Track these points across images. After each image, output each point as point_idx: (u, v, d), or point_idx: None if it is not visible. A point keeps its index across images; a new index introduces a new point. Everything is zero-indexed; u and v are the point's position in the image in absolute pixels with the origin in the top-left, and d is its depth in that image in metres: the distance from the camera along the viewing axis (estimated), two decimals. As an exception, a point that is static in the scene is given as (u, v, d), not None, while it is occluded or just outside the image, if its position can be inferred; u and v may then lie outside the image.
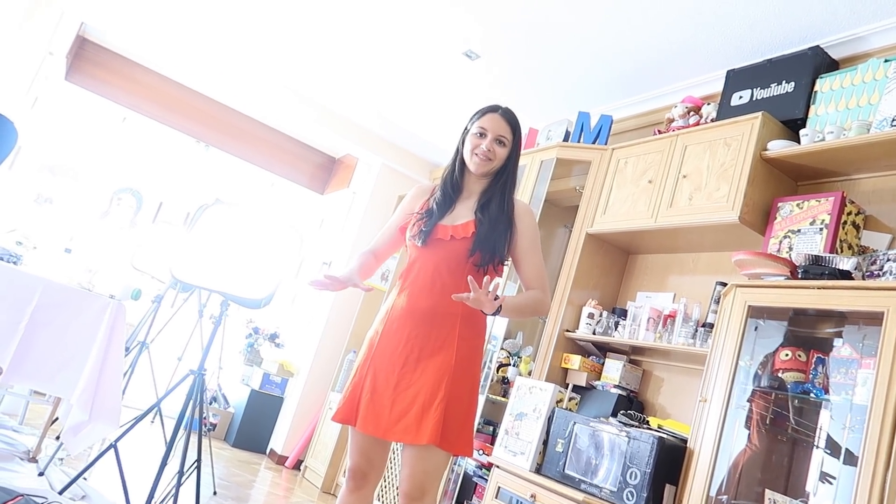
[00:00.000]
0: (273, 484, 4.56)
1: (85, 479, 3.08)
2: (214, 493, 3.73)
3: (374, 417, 1.89)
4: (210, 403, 5.54)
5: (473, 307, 1.81)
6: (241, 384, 5.82)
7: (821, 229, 2.50)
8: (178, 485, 2.84)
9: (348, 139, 5.49)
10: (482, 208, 2.03)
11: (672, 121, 3.35)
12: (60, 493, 2.78)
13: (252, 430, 5.50)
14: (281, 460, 5.27)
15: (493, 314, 1.85)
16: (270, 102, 5.19)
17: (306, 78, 5.07)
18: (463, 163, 2.10)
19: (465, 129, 2.12)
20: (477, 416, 2.05)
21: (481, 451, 3.43)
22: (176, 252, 3.19)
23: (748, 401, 2.37)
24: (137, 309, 4.60)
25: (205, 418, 3.54)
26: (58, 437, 3.44)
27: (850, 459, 1.98)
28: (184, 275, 2.99)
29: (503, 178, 2.07)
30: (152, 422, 4.92)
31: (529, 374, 3.51)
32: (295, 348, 5.80)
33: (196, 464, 3.11)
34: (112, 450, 2.86)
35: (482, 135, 2.04)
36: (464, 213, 2.04)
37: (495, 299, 1.79)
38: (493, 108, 2.09)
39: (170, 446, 2.87)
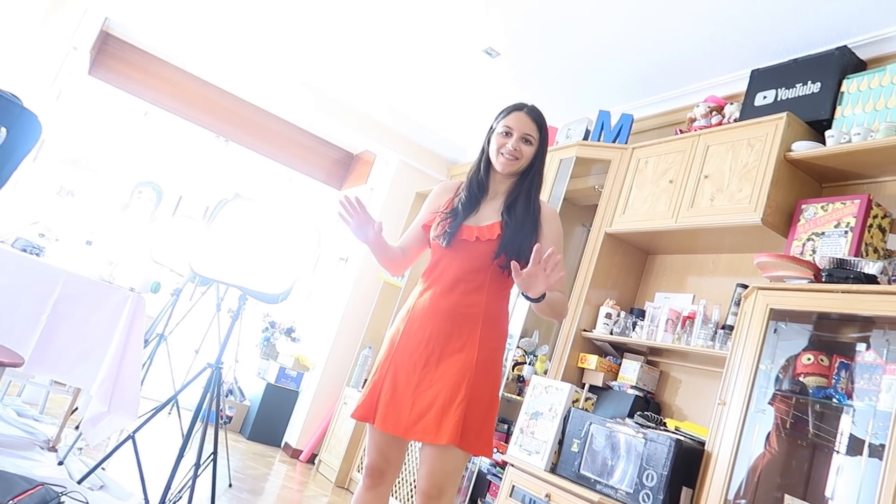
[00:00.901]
0: (287, 477, 4.58)
1: (103, 469, 3.11)
2: (230, 485, 3.76)
3: (394, 416, 1.89)
4: (226, 396, 5.58)
5: (523, 284, 1.75)
6: (257, 377, 5.86)
7: (846, 232, 2.46)
8: (195, 476, 2.86)
9: (366, 135, 5.50)
10: (508, 209, 1.99)
11: (694, 120, 3.31)
12: (79, 482, 2.81)
13: (267, 424, 5.54)
14: (295, 454, 5.30)
15: (537, 300, 1.79)
16: (289, 98, 5.21)
17: (325, 74, 5.09)
18: (489, 162, 2.06)
19: (491, 127, 2.08)
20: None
21: (496, 450, 3.42)
22: (195, 246, 3.21)
23: (768, 404, 2.34)
24: (156, 302, 4.64)
25: (221, 411, 3.57)
26: (77, 427, 3.49)
27: (873, 467, 1.95)
28: (203, 269, 3.01)
29: (529, 177, 2.03)
30: (169, 413, 4.97)
31: (545, 373, 3.49)
32: (311, 343, 5.83)
33: (212, 456, 3.14)
34: (130, 441, 2.90)
35: (508, 134, 2.01)
36: (489, 214, 2.01)
37: None
38: (519, 107, 2.05)
39: (187, 438, 2.89)
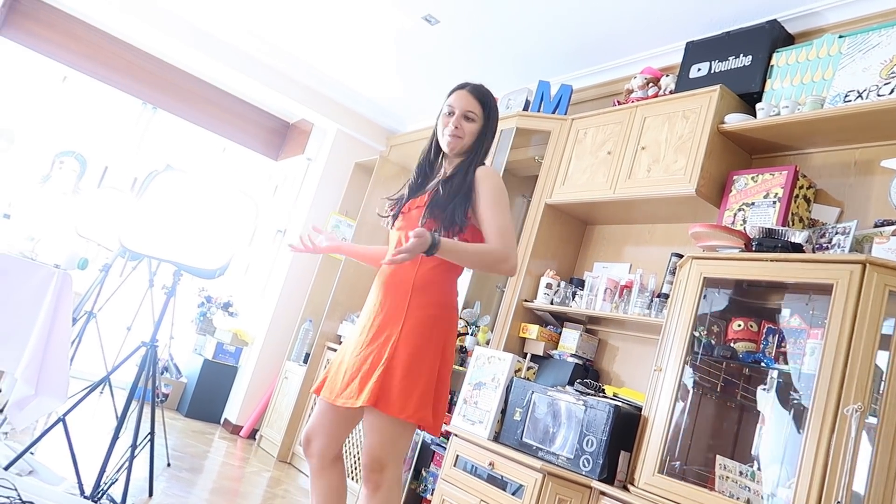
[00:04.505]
0: (228, 454, 4.52)
1: (32, 453, 2.99)
2: (168, 464, 3.68)
3: (331, 384, 2.00)
4: (161, 373, 5.43)
5: (410, 257, 1.76)
6: (194, 353, 5.71)
7: (774, 203, 2.56)
8: (132, 457, 2.78)
9: (303, 104, 5.35)
10: (444, 182, 2.01)
11: (631, 92, 3.36)
12: (6, 468, 2.69)
13: (205, 400, 5.42)
14: (235, 430, 5.22)
15: (429, 251, 1.78)
16: (221, 64, 5.01)
17: (260, 39, 4.91)
18: (439, 144, 2.10)
19: (440, 110, 2.12)
20: (428, 384, 1.94)
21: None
22: (125, 220, 3.08)
23: (702, 370, 2.43)
24: (84, 278, 4.44)
25: (157, 389, 3.46)
26: (1, 411, 3.32)
27: (798, 427, 2.06)
28: (134, 244, 2.89)
29: (473, 155, 2.04)
30: (101, 393, 4.80)
31: (487, 343, 3.53)
32: (249, 317, 5.72)
33: (149, 436, 3.05)
34: (60, 423, 2.78)
35: (451, 113, 2.05)
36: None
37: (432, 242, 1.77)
38: (462, 85, 2.09)
39: (122, 419, 2.80)
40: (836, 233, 2.44)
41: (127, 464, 2.76)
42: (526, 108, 3.79)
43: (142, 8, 4.66)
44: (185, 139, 5.93)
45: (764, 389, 2.34)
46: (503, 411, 2.90)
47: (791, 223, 2.54)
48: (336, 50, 4.73)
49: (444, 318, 1.98)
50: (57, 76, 5.30)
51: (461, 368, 3.54)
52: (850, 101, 2.45)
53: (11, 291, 2.84)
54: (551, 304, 3.32)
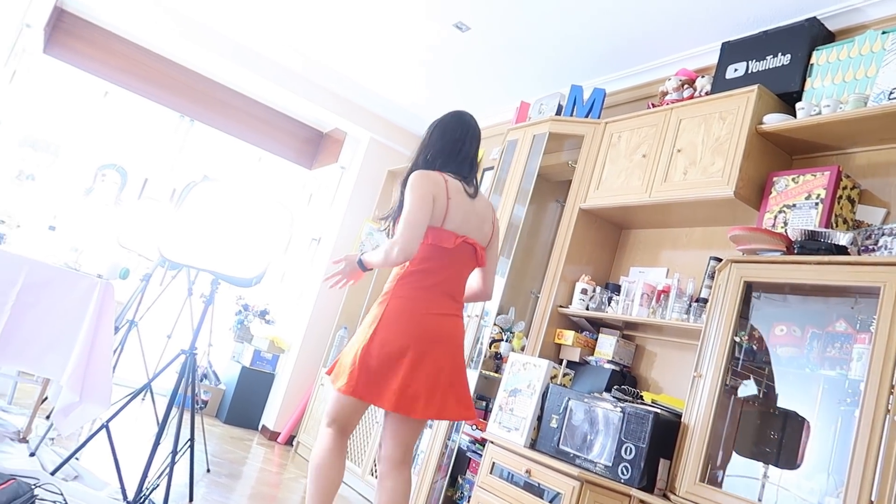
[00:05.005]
0: (266, 460, 4.57)
1: (77, 459, 3.06)
2: (208, 470, 3.73)
3: None
4: (200, 380, 5.52)
5: (344, 280, 2.29)
6: (232, 361, 5.80)
7: (816, 204, 2.49)
8: (172, 463, 2.83)
9: (336, 113, 5.41)
10: None
11: (666, 94, 3.31)
12: (52, 473, 2.76)
13: (243, 407, 5.50)
14: (273, 436, 5.28)
15: (362, 267, 2.26)
16: (256, 76, 5.09)
17: (292, 51, 4.98)
18: None
19: None
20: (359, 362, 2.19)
21: (475, 427, 3.44)
22: (164, 230, 3.14)
23: (743, 376, 2.38)
24: (126, 287, 4.55)
25: (196, 396, 3.52)
26: (48, 417, 3.41)
27: (845, 434, 2.00)
28: (172, 253, 2.95)
29: (412, 162, 2.36)
30: (143, 400, 4.90)
31: (522, 349, 3.51)
32: (286, 325, 5.78)
33: (189, 442, 3.10)
34: (104, 430, 2.84)
35: None
36: None
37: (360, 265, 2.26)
38: None
39: (163, 425, 2.85)
40: (883, 234, 2.36)
41: (168, 469, 2.80)
42: (558, 113, 3.77)
43: (180, 24, 4.76)
44: (222, 150, 6.04)
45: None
46: (539, 418, 2.87)
47: (835, 225, 2.47)
48: (368, 59, 4.77)
49: (391, 305, 2.17)
50: (99, 92, 5.45)
51: (496, 375, 3.52)
52: (894, 98, 2.38)
53: (56, 301, 2.92)
54: (587, 309, 3.29)
